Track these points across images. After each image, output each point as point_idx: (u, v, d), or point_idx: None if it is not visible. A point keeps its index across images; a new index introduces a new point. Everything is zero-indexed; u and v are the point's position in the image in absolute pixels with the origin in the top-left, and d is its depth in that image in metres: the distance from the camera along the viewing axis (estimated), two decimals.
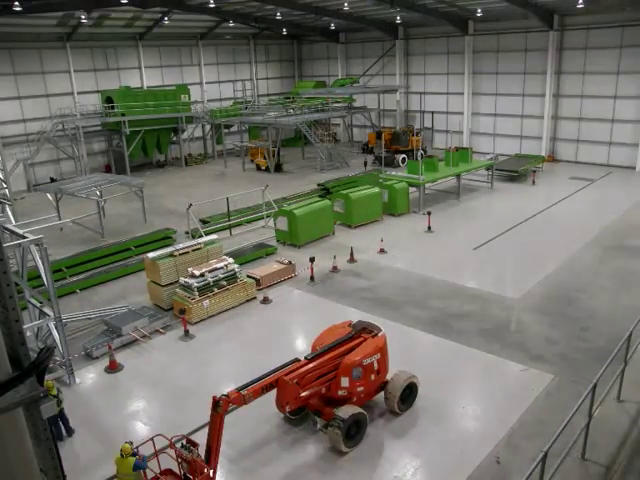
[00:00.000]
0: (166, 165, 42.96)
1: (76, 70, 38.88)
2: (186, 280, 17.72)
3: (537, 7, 34.79)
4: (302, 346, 16.15)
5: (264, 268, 20.35)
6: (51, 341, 14.30)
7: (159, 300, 18.19)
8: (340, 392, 11.51)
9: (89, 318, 17.34)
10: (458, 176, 30.72)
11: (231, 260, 18.90)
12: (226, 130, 44.90)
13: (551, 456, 7.54)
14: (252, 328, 16.92)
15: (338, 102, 46.19)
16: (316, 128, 41.03)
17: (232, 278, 18.39)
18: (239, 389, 10.07)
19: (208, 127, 45.42)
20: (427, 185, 30.11)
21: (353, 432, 11.22)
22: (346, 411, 11.10)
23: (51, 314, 13.79)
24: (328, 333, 12.51)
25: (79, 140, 37.24)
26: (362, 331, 12.44)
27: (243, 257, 21.67)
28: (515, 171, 34.01)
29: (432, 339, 14.99)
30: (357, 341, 12.08)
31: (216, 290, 17.83)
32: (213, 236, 20.82)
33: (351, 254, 21.77)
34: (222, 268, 18.31)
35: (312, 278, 19.98)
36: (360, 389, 11.68)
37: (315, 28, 47.22)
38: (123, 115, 37.32)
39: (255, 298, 18.69)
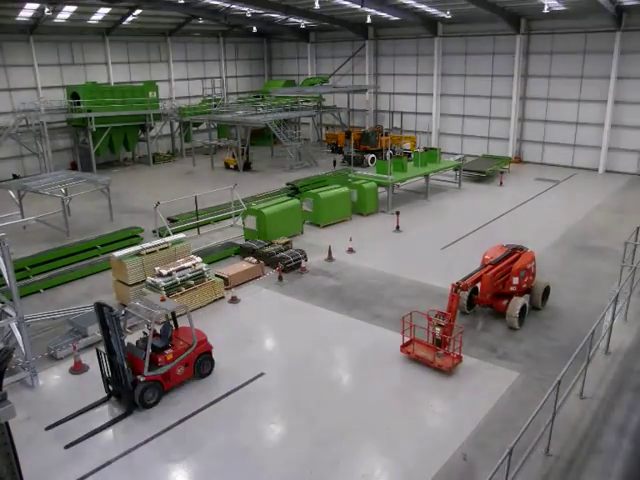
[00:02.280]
0: (133, 163, 42.31)
1: (40, 64, 37.98)
2: (153, 279, 17.51)
3: (504, 11, 35.34)
4: (271, 345, 16.10)
5: (232, 267, 20.22)
6: (14, 342, 13.94)
7: (126, 300, 17.85)
8: (511, 288, 16.29)
9: (54, 318, 16.96)
10: (426, 176, 31.03)
11: (199, 259, 18.73)
12: (195, 128, 44.49)
13: (516, 452, 7.66)
14: (220, 328, 16.74)
15: (308, 101, 46.15)
16: (286, 127, 40.89)
17: (200, 277, 18.22)
18: (463, 280, 14.75)
19: (176, 125, 44.93)
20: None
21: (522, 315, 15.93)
22: (518, 302, 15.80)
23: (13, 314, 13.46)
24: (491, 251, 17.00)
25: (43, 136, 36.38)
26: (515, 249, 17.17)
27: (211, 256, 21.49)
28: (483, 172, 34.51)
29: (399, 338, 15.04)
30: (515, 255, 16.77)
31: (184, 289, 17.64)
32: (181, 235, 20.58)
33: (329, 253, 21.80)
34: (190, 267, 18.15)
35: (280, 278, 19.92)
36: (523, 286, 16.45)
37: (285, 27, 47.14)
38: (89, 111, 36.63)
39: (223, 297, 18.56)
